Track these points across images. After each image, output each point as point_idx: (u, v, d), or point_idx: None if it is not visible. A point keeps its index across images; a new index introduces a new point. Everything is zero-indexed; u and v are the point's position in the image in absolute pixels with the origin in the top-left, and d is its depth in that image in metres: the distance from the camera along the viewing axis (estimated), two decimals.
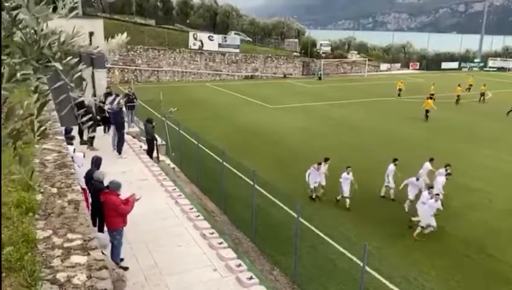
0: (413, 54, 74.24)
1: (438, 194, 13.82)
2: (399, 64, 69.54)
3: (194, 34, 54.07)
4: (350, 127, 27.99)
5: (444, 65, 70.39)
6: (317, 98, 39.60)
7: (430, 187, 14.42)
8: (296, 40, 64.77)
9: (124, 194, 9.10)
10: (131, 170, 14.95)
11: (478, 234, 13.76)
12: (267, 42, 65.18)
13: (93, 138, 16.90)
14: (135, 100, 21.66)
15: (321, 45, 65.96)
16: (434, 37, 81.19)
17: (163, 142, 19.64)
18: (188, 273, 8.98)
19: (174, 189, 13.50)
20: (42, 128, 2.08)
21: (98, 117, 17.74)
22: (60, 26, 2.07)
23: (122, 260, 9.04)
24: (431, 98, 31.40)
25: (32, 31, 1.92)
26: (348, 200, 15.30)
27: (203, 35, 54.52)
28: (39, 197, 4.45)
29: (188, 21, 65.17)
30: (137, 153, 17.14)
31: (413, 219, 14.11)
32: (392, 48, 74.46)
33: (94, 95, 20.02)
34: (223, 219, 14.22)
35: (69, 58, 2.05)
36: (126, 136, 18.20)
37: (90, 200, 9.39)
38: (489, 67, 71.36)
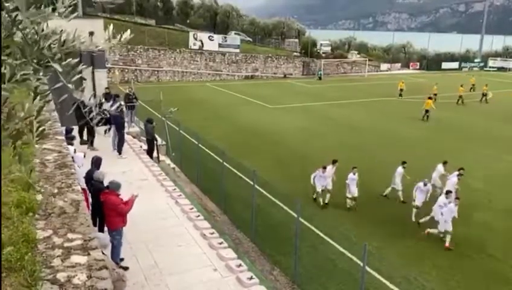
0: (413, 54, 74.20)
1: (458, 198, 13.40)
2: (399, 64, 69.50)
3: (194, 34, 54.07)
4: (350, 127, 27.98)
5: (444, 65, 70.33)
6: (317, 98, 39.60)
7: (448, 191, 13.94)
8: (296, 40, 64.75)
9: (124, 194, 9.11)
10: (131, 170, 14.95)
11: (478, 234, 13.76)
12: (267, 42, 65.16)
13: (93, 138, 16.93)
14: (135, 100, 21.66)
15: (321, 44, 65.93)
16: (434, 37, 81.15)
17: (164, 142, 19.64)
18: (188, 273, 8.99)
19: (174, 189, 13.51)
20: (41, 129, 2.08)
21: (98, 118, 17.72)
22: (60, 27, 2.08)
23: (122, 259, 9.05)
24: (430, 98, 31.35)
25: (33, 31, 1.92)
26: (352, 201, 15.27)
27: (203, 35, 54.52)
28: (39, 197, 4.46)
29: (188, 21, 65.16)
30: (138, 153, 17.14)
31: (421, 220, 13.99)
32: (392, 48, 74.42)
33: (94, 96, 20.02)
34: (223, 219, 14.23)
35: (69, 59, 2.06)
36: (126, 136, 18.21)
37: (90, 200, 9.40)
38: (490, 67, 71.32)
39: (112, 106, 16.34)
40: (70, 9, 2.07)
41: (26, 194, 4.28)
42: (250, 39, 62.29)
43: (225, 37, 55.99)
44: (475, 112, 34.32)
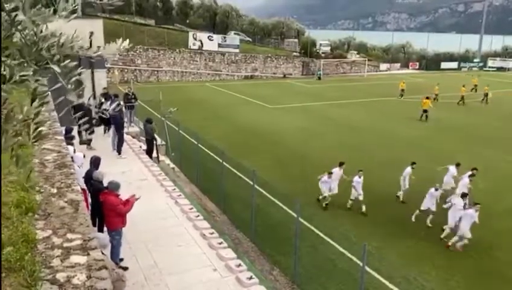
0: (412, 54, 74.25)
1: (478, 204, 12.94)
2: (398, 64, 69.55)
3: (193, 34, 54.07)
4: (350, 127, 27.99)
5: (444, 65, 70.40)
6: (316, 98, 39.61)
7: (464, 194, 13.76)
8: (296, 40, 64.75)
9: (123, 194, 9.11)
10: (130, 170, 14.95)
11: (479, 234, 13.69)
12: (267, 42, 65.15)
13: (90, 140, 16.93)
14: (133, 100, 21.65)
15: (321, 44, 65.94)
16: (433, 37, 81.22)
17: (163, 142, 19.64)
18: (187, 273, 8.99)
19: (174, 189, 13.50)
20: (38, 130, 2.08)
21: (97, 117, 17.74)
22: (59, 28, 2.08)
23: (121, 260, 9.04)
24: (428, 98, 31.24)
25: (32, 32, 1.92)
26: (351, 203, 15.25)
27: (203, 35, 54.53)
28: (39, 197, 4.46)
29: (187, 21, 65.13)
30: (137, 153, 17.14)
31: (442, 235, 13.49)
32: (392, 48, 74.46)
33: (94, 96, 20.02)
34: (223, 219, 14.23)
35: (67, 61, 2.06)
36: (126, 136, 18.21)
37: (89, 200, 9.40)
38: (489, 67, 71.37)
39: (110, 105, 16.36)
40: (70, 11, 2.07)
41: (25, 194, 4.27)
42: (250, 39, 62.29)
43: (224, 37, 56.00)
44: (475, 112, 34.34)
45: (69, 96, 2.27)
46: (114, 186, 8.92)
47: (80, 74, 2.13)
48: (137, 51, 48.96)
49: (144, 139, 18.29)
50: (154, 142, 17.62)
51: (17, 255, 3.21)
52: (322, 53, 63.46)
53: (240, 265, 9.34)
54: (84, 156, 11.18)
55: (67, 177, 5.13)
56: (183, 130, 19.44)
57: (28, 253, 3.29)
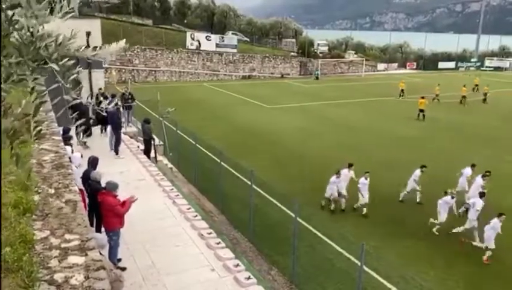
0: (410, 53, 74.36)
1: (502, 214, 12.37)
2: (396, 64, 69.66)
3: (191, 34, 54.05)
4: (347, 127, 28.02)
5: (441, 65, 70.55)
6: (314, 98, 39.64)
7: (481, 194, 13.48)
8: (294, 40, 64.77)
9: (121, 194, 9.10)
10: (128, 170, 14.93)
11: (478, 234, 13.62)
12: (265, 42, 65.16)
13: (85, 142, 16.93)
14: (130, 100, 21.62)
15: (318, 44, 66.03)
16: (431, 36, 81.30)
17: (161, 143, 19.63)
18: (185, 274, 8.98)
19: (172, 189, 13.49)
20: (38, 129, 2.08)
21: (94, 117, 17.68)
22: (57, 28, 2.08)
23: (119, 260, 9.03)
24: (423, 98, 31.19)
25: (28, 33, 1.92)
26: (360, 204, 14.97)
27: (201, 35, 54.51)
28: (36, 197, 4.45)
29: (185, 21, 65.10)
30: (135, 153, 17.12)
31: (475, 243, 13.00)
32: (389, 48, 74.55)
33: (91, 96, 20.01)
34: (221, 219, 14.22)
35: (65, 60, 2.05)
36: (123, 136, 18.19)
37: (87, 200, 9.38)
38: (486, 66, 71.53)
39: (109, 103, 16.35)
40: (66, 12, 2.07)
41: (23, 195, 4.26)
42: (248, 39, 62.30)
43: (222, 37, 55.99)
44: (474, 112, 34.36)
45: (66, 96, 2.26)
46: (112, 187, 8.91)
47: (78, 73, 2.13)
48: (135, 51, 48.92)
49: (142, 139, 18.28)
50: (152, 142, 17.61)
51: (15, 255, 3.20)
52: (320, 53, 63.52)
53: (238, 265, 9.34)
54: (81, 156, 11.17)
55: (65, 177, 5.12)
56: (181, 130, 19.43)
57: (25, 254, 3.28)
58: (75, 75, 2.11)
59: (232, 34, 60.00)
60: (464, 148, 23.33)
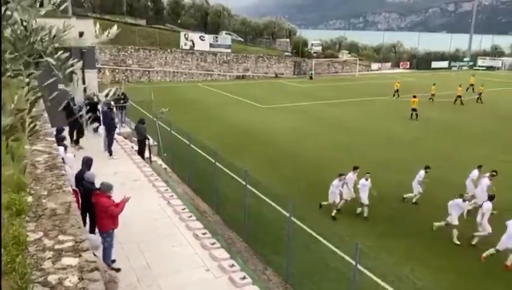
0: (403, 53, 74.76)
1: None
2: (389, 64, 69.97)
3: (185, 34, 53.95)
4: (342, 127, 28.06)
5: (434, 64, 70.95)
6: (308, 97, 39.70)
7: (490, 197, 13.31)
8: (288, 40, 64.87)
9: (116, 195, 9.05)
10: (123, 170, 14.86)
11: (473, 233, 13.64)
12: (259, 42, 65.23)
13: (82, 136, 16.91)
14: (122, 101, 21.53)
15: (312, 44, 66.22)
16: (424, 36, 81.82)
17: (155, 143, 19.57)
18: (180, 274, 8.95)
19: (166, 189, 13.45)
20: (32, 125, 2.06)
21: (88, 115, 17.58)
22: (52, 25, 2.06)
23: (114, 261, 8.98)
24: (415, 97, 31.26)
25: (22, 27, 1.90)
26: (366, 209, 14.68)
27: (194, 35, 54.43)
28: (29, 198, 4.41)
29: (179, 21, 65.02)
30: (129, 153, 17.05)
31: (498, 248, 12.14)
32: (383, 48, 74.90)
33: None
34: (216, 219, 14.20)
35: (60, 52, 2.04)
36: (117, 137, 18.12)
37: (80, 201, 9.32)
38: (479, 66, 72.02)
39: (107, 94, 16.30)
40: (57, 5, 2.05)
41: (16, 196, 4.23)
42: (241, 39, 62.33)
43: (216, 37, 55.94)
44: (469, 111, 34.49)
45: (66, 88, 2.23)
46: (106, 188, 8.86)
47: (73, 65, 2.11)
48: (129, 51, 48.74)
49: (136, 139, 18.20)
50: (147, 142, 17.55)
51: (8, 257, 3.17)
52: (314, 53, 63.67)
53: (233, 265, 9.33)
54: (74, 156, 11.11)
55: (58, 178, 5.08)
56: (175, 130, 19.38)
57: (18, 255, 3.25)
58: (71, 68, 2.09)
59: (226, 34, 59.98)
60: (459, 148, 23.40)
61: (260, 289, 8.94)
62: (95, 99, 15.70)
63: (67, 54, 2.08)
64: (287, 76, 57.47)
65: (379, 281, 11.04)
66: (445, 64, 71.82)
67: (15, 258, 3.19)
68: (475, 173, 16.04)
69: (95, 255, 4.53)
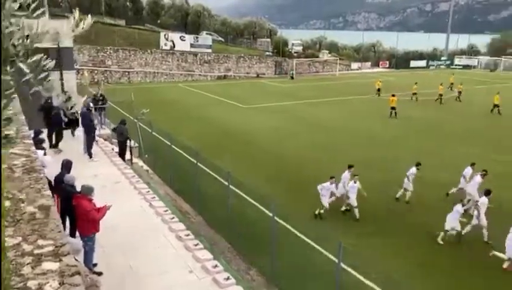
0: (382, 52, 75.75)
1: None
2: (369, 63, 70.78)
3: (165, 34, 53.57)
4: (323, 127, 28.22)
5: (413, 63, 72.06)
6: (290, 97, 39.84)
7: (487, 192, 13.30)
8: (268, 40, 65.04)
9: (96, 198, 8.92)
10: (103, 173, 14.67)
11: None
12: (239, 42, 65.23)
13: (61, 139, 16.65)
14: (100, 102, 21.25)
15: (293, 44, 66.54)
16: (403, 36, 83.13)
17: (136, 144, 19.37)
18: (163, 276, 8.88)
19: (148, 191, 13.33)
20: (7, 133, 2.00)
21: (66, 119, 17.31)
22: (26, 25, 2.00)
23: (95, 265, 8.86)
24: (394, 96, 31.62)
25: None
26: (356, 210, 14.65)
27: (175, 36, 54.10)
28: (7, 203, 4.32)
29: (158, 21, 64.57)
30: (109, 155, 16.85)
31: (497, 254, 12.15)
32: (363, 47, 75.77)
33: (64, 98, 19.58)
34: (198, 220, 14.13)
35: (35, 56, 1.98)
36: (97, 138, 17.89)
37: (60, 204, 9.16)
38: (456, 65, 73.41)
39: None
40: (33, 6, 1.99)
41: None
42: (222, 39, 62.22)
43: (197, 37, 55.70)
44: (449, 110, 35.01)
45: (37, 90, 2.17)
46: (87, 190, 8.72)
47: (47, 67, 2.05)
48: (108, 52, 48.16)
49: (116, 141, 17.99)
50: (128, 143, 17.36)
51: None
52: (295, 53, 63.99)
53: (216, 266, 9.30)
54: (51, 158, 10.92)
55: (36, 182, 4.98)
56: (156, 131, 19.21)
57: None
58: (45, 73, 2.03)
59: (207, 34, 59.80)
60: (442, 146, 23.65)
61: (244, 289, 8.94)
62: (52, 103, 15.38)
63: (41, 55, 2.02)
64: (268, 76, 57.59)
65: (361, 278, 11.12)
66: (423, 63, 73.00)
67: None
68: (468, 170, 16.14)
69: (75, 259, 4.46)
